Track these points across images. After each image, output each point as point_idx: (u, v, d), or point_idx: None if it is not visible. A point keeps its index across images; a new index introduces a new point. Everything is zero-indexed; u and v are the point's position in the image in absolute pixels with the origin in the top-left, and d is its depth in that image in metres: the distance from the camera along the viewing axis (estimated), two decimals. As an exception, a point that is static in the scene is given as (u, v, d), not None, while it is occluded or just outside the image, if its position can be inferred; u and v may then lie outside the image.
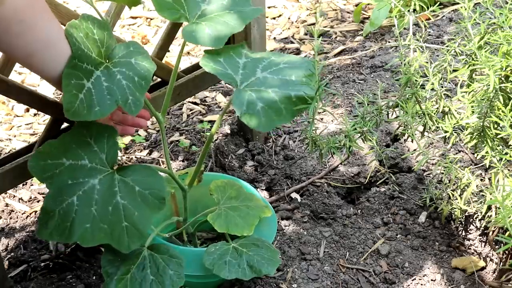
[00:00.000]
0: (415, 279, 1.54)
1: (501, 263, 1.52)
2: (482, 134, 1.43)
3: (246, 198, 1.47)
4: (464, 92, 1.45)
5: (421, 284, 1.53)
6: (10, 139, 2.11)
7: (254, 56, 1.35)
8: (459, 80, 1.50)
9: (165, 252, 1.27)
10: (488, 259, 1.60)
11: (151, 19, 2.89)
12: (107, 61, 1.20)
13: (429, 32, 2.56)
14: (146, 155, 2.00)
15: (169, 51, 2.41)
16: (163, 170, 1.38)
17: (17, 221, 1.72)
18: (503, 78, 1.34)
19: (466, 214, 1.61)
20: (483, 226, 1.60)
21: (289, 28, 2.83)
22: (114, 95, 1.17)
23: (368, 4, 2.87)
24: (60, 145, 1.21)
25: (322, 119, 2.07)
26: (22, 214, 1.75)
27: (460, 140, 1.60)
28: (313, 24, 2.82)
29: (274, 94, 1.26)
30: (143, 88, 1.20)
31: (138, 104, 1.18)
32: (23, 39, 1.08)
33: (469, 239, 1.65)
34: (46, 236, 1.18)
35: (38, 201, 1.81)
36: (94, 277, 1.52)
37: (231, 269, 1.31)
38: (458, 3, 1.39)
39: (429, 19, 2.60)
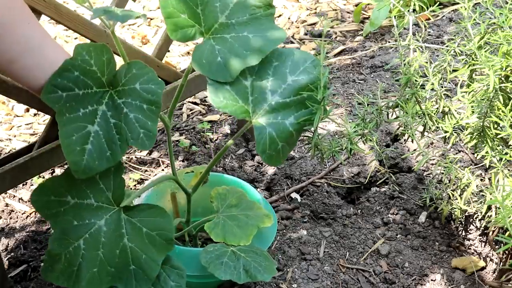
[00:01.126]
0: (415, 279, 1.54)
1: (501, 263, 1.52)
2: (482, 134, 1.43)
3: (247, 206, 1.44)
4: (464, 92, 1.45)
5: (421, 284, 1.53)
6: (10, 139, 2.11)
7: (256, 67, 1.25)
8: (459, 80, 1.50)
9: (166, 262, 1.24)
10: (488, 259, 1.60)
11: (151, 19, 2.89)
12: (111, 87, 1.12)
13: (429, 32, 2.56)
14: (146, 155, 2.00)
15: (169, 51, 2.41)
16: (167, 177, 1.37)
17: (17, 221, 1.72)
18: (503, 78, 1.34)
19: (466, 214, 1.61)
20: (483, 226, 1.60)
21: (289, 28, 2.83)
22: (124, 134, 1.10)
23: (368, 4, 2.87)
24: (64, 181, 1.16)
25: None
26: (22, 214, 1.75)
27: (460, 140, 1.60)
28: (313, 24, 2.82)
29: (291, 128, 1.24)
30: (155, 113, 1.12)
31: (151, 136, 1.11)
32: (2, 43, 1.01)
33: (469, 239, 1.65)
34: (53, 279, 1.15)
35: (38, 201, 1.82)
36: (94, 277, 1.52)
37: (226, 270, 1.30)
38: (458, 3, 1.39)
39: (429, 19, 2.60)
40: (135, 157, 1.99)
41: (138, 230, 1.17)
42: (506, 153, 1.35)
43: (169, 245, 1.18)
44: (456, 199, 1.54)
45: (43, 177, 1.89)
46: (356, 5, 2.90)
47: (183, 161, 1.94)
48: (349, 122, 1.50)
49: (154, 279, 1.17)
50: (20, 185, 1.85)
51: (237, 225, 1.38)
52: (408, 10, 1.44)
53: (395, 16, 1.45)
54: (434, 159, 1.78)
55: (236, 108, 1.21)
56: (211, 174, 1.64)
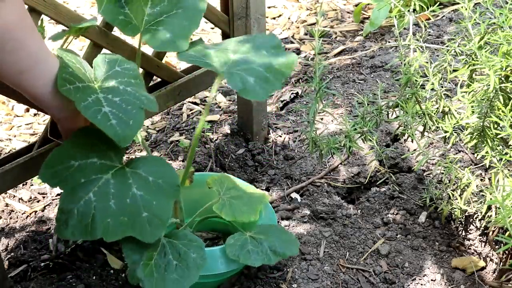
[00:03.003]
0: (415, 279, 1.54)
1: (501, 263, 1.52)
2: (482, 134, 1.43)
3: (242, 188, 1.51)
4: (464, 92, 1.45)
5: (421, 284, 1.53)
6: (10, 139, 2.11)
7: (217, 48, 1.39)
8: (459, 80, 1.50)
9: (183, 237, 1.28)
10: (488, 259, 1.60)
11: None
12: (95, 82, 1.22)
13: (429, 32, 2.56)
14: (146, 155, 2.00)
15: (169, 51, 2.41)
16: None
17: (17, 221, 1.72)
18: (503, 78, 1.34)
19: (466, 214, 1.61)
20: (483, 226, 1.60)
21: (289, 28, 2.83)
22: (133, 103, 1.19)
23: (368, 4, 2.87)
24: (66, 151, 1.21)
25: (322, 119, 2.07)
26: (22, 214, 1.75)
27: (460, 140, 1.60)
28: (313, 24, 2.82)
29: (259, 67, 1.30)
30: (141, 86, 1.24)
31: (152, 100, 1.23)
32: (15, 55, 1.08)
33: (469, 239, 1.65)
34: (68, 235, 1.17)
35: (38, 201, 1.81)
36: (94, 277, 1.52)
37: (256, 257, 1.34)
38: (458, 3, 1.39)
39: (429, 19, 2.60)
40: (135, 157, 1.99)
41: (145, 179, 1.21)
42: (506, 153, 1.35)
43: (176, 191, 1.23)
44: (456, 199, 1.54)
45: (43, 177, 1.89)
46: (356, 5, 2.90)
47: (183, 161, 1.94)
48: (349, 121, 1.50)
49: (167, 223, 1.22)
50: (20, 185, 1.85)
51: (242, 203, 1.43)
52: (408, 10, 1.44)
53: (395, 16, 1.45)
54: (434, 159, 1.78)
55: (204, 63, 1.32)
56: (211, 174, 1.64)
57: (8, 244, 1.63)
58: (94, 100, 1.17)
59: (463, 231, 1.66)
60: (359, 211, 1.75)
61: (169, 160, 1.95)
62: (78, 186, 1.19)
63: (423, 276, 1.55)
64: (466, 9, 1.37)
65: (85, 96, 1.17)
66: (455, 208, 1.55)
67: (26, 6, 1.28)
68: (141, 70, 1.60)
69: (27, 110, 2.27)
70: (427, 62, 1.45)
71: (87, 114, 1.14)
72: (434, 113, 1.49)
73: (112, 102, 1.18)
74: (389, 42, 2.56)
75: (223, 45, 1.39)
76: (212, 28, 2.83)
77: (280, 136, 2.03)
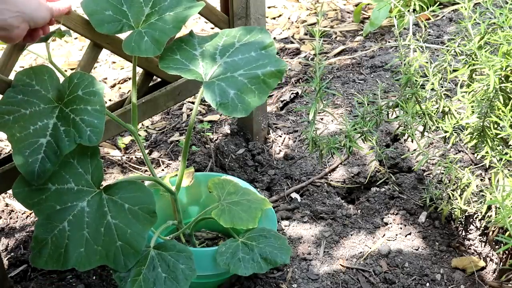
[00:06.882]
0: (415, 279, 1.54)
1: (501, 263, 1.52)
2: (482, 134, 1.43)
3: (244, 192, 1.48)
4: (464, 92, 1.45)
5: (421, 284, 1.53)
6: (10, 139, 2.11)
7: (206, 43, 1.35)
8: (459, 80, 1.50)
9: (172, 248, 1.27)
10: (488, 259, 1.60)
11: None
12: (60, 102, 1.21)
13: (429, 32, 2.56)
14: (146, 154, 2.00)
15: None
16: (149, 178, 1.38)
17: (17, 221, 1.72)
18: (503, 78, 1.34)
19: (466, 214, 1.61)
20: (483, 226, 1.60)
21: (289, 28, 2.83)
22: (72, 135, 1.17)
23: (368, 4, 2.87)
24: None
25: (322, 119, 2.07)
26: (22, 214, 1.75)
27: (460, 140, 1.60)
28: (313, 24, 2.82)
29: (242, 78, 1.26)
30: (100, 111, 1.19)
31: (98, 131, 1.18)
32: None
33: (469, 239, 1.65)
34: (41, 264, 1.17)
35: (38, 201, 1.81)
36: (94, 277, 1.52)
37: (246, 265, 1.32)
38: (458, 3, 1.39)
39: (429, 19, 2.60)
40: (135, 157, 1.99)
41: (120, 207, 1.19)
42: (506, 153, 1.35)
43: (153, 218, 1.20)
44: (456, 199, 1.54)
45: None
46: (356, 5, 2.90)
47: (183, 161, 1.94)
48: (349, 121, 1.50)
49: (141, 252, 1.20)
50: (20, 185, 1.85)
51: (241, 209, 1.41)
52: (408, 10, 1.44)
53: (395, 16, 1.45)
54: (434, 159, 1.78)
55: (186, 71, 1.29)
56: (211, 175, 1.64)
57: (8, 244, 1.63)
58: (39, 128, 1.17)
59: (463, 231, 1.66)
60: (359, 211, 1.75)
61: (169, 160, 1.95)
62: (53, 213, 1.17)
63: (423, 276, 1.55)
64: (466, 9, 1.37)
65: (29, 124, 1.17)
66: (455, 208, 1.55)
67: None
68: (141, 70, 1.61)
69: (27, 110, 2.27)
70: (427, 62, 1.45)
71: (15, 149, 1.16)
72: (434, 113, 1.49)
73: (56, 131, 1.17)
74: (389, 42, 2.56)
75: (213, 41, 1.34)
76: (212, 28, 2.83)
77: (280, 136, 2.03)
